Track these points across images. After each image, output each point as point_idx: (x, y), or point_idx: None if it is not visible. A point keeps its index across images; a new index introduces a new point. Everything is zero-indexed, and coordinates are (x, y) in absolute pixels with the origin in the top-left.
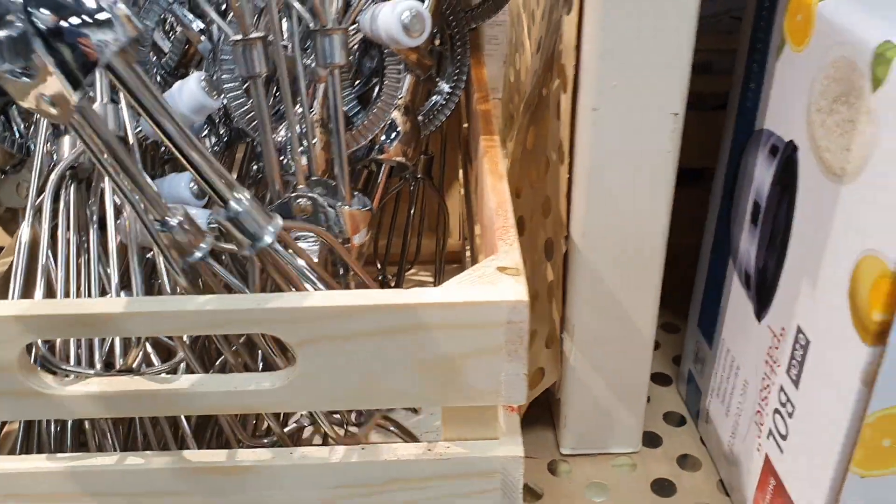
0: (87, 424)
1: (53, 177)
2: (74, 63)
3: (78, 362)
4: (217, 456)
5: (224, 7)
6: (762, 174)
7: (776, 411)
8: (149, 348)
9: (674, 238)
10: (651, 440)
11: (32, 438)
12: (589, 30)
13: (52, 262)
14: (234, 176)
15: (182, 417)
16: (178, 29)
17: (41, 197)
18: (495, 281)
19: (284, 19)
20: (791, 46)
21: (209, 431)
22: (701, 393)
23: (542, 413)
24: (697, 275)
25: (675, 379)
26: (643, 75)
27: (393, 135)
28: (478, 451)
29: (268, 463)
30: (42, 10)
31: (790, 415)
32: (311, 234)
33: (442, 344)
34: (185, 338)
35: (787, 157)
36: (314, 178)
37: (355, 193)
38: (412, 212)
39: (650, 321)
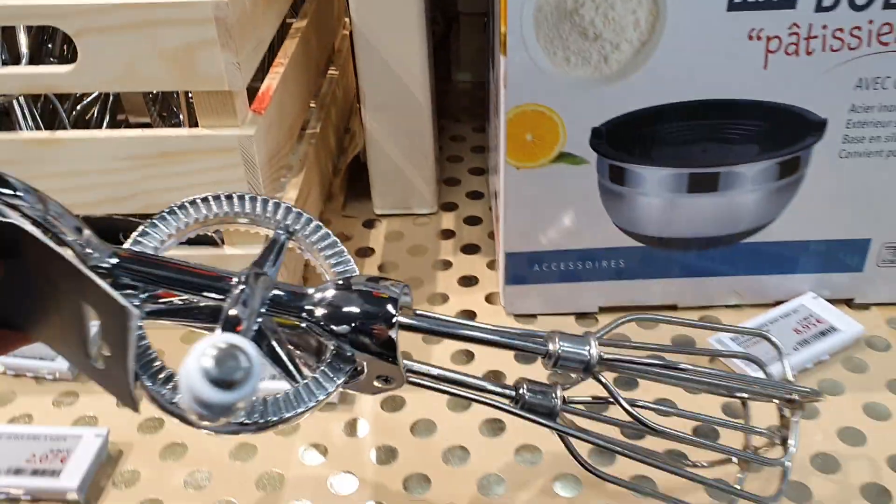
0: None
1: None
2: None
3: None
4: (41, 134)
5: None
6: None
7: None
8: None
9: None
10: (449, 207)
11: None
12: None
13: None
14: None
15: None
16: None
17: None
18: None
19: None
20: None
21: None
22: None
23: (362, 184)
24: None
25: (487, 171)
26: None
27: None
28: (223, 132)
29: (76, 138)
30: None
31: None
32: None
33: (177, 37)
34: None
35: None
36: None
37: None
38: None
39: (424, 90)
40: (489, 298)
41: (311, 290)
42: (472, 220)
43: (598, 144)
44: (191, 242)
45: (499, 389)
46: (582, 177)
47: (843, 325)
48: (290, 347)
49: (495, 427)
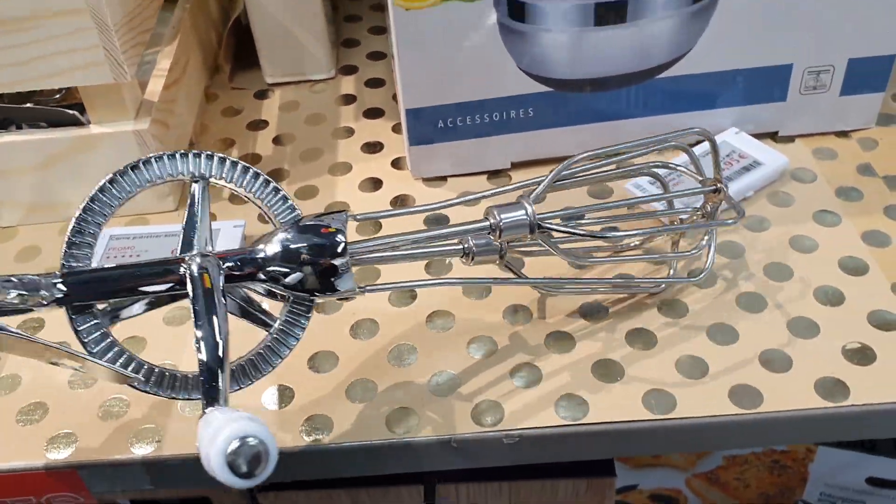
0: None
1: None
2: None
3: None
4: None
5: None
6: None
7: None
8: None
9: None
10: (349, 70)
11: None
12: None
13: None
14: None
15: None
16: None
17: None
18: None
19: None
20: None
21: None
22: None
23: (251, 53)
24: None
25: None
26: None
27: None
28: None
29: None
30: None
31: None
32: None
33: None
34: None
35: None
36: None
37: None
38: None
39: None
40: (396, 164)
41: (258, 248)
42: (375, 83)
43: None
44: (52, 125)
45: (449, 248)
46: (478, 15)
47: (767, 158)
48: (251, 294)
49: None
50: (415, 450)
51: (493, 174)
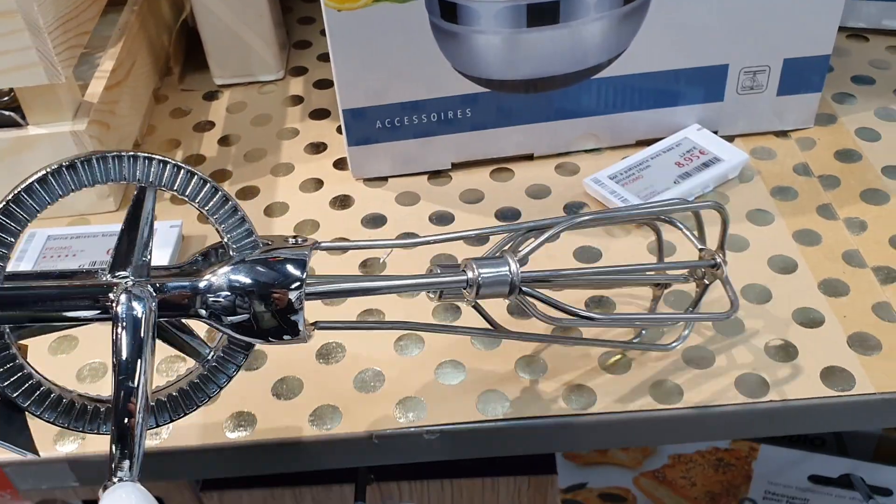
0: None
1: None
2: None
3: None
4: None
5: None
6: None
7: None
8: None
9: None
10: (299, 71)
11: None
12: None
13: None
14: None
15: None
16: None
17: None
18: None
19: None
20: None
21: None
22: None
23: (200, 57)
24: None
25: None
26: None
27: None
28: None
29: None
30: None
31: None
32: None
33: None
34: None
35: None
36: None
37: None
38: None
39: None
40: (338, 164)
41: (202, 278)
42: (323, 84)
43: None
44: None
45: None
46: (410, 16)
47: (727, 154)
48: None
49: None
50: (337, 445)
51: (434, 175)
